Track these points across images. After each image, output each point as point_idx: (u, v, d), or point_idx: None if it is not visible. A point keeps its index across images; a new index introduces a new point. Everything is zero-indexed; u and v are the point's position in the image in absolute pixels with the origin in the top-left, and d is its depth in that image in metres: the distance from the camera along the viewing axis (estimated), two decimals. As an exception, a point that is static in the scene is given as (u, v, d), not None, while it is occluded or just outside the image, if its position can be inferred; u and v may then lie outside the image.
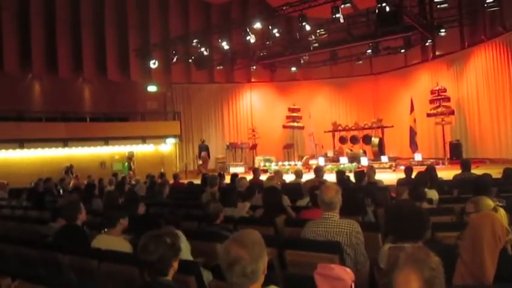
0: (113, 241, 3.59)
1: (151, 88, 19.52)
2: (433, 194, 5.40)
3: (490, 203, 2.89)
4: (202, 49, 15.75)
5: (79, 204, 4.21)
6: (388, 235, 2.91)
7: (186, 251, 3.23)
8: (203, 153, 18.70)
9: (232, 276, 1.80)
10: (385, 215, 2.86)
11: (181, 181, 11.13)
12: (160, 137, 19.15)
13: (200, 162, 18.59)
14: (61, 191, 10.95)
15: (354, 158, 16.39)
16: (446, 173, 9.30)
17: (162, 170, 15.03)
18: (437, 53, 18.11)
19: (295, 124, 20.50)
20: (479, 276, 2.17)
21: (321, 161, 16.37)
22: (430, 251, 1.48)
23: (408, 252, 1.47)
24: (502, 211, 2.64)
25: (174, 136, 19.48)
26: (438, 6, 12.86)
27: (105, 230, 3.72)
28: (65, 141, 16.86)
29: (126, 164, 17.75)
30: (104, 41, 18.11)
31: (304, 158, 17.52)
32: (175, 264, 2.37)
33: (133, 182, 11.17)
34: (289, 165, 17.25)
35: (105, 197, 6.50)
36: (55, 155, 16.89)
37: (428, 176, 5.98)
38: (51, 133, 16.37)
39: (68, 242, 3.84)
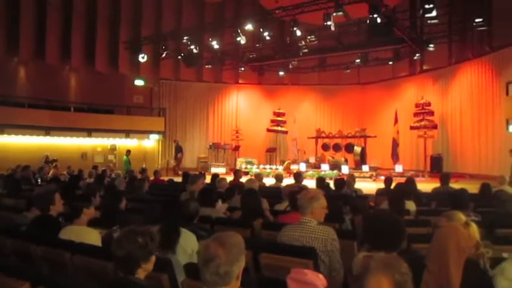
0: (78, 231, 3.56)
1: (139, 82, 19.36)
2: (411, 205, 5.46)
3: (462, 217, 2.94)
4: (193, 46, 15.69)
5: (52, 195, 4.14)
6: (364, 244, 2.94)
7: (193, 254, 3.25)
8: (179, 155, 18.60)
9: (206, 273, 1.82)
10: (364, 224, 2.89)
11: (161, 178, 11.04)
12: (144, 132, 19.01)
13: (175, 163, 18.44)
14: (39, 180, 10.75)
15: (335, 166, 16.50)
16: (426, 185, 9.42)
17: (144, 166, 14.89)
18: (424, 67, 18.41)
19: (279, 128, 20.57)
20: (445, 285, 2.22)
21: (303, 167, 16.43)
22: (400, 258, 1.51)
23: (379, 258, 1.50)
24: (474, 226, 2.69)
25: (158, 132, 19.36)
26: (429, 21, 13.04)
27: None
28: (47, 130, 16.61)
29: (125, 157, 17.45)
30: (94, 31, 17.90)
31: (286, 163, 17.57)
32: (147, 266, 2.30)
33: (113, 176, 11.03)
34: (271, 168, 17.28)
35: (84, 190, 6.41)
36: (36, 142, 16.61)
37: (408, 188, 6.03)
38: (34, 120, 16.10)
39: (40, 232, 3.77)
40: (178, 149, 18.54)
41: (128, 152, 17.45)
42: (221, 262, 1.80)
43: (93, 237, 3.57)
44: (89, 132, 17.59)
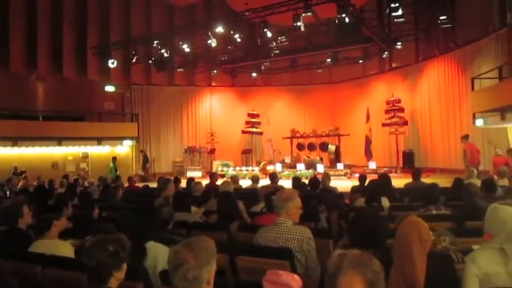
0: (49, 245, 3.46)
1: (109, 88, 19.02)
2: (384, 201, 5.55)
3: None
4: (163, 50, 15.53)
5: (21, 207, 4.01)
6: (339, 241, 2.98)
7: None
8: (147, 165, 18.53)
9: (175, 278, 1.82)
10: (348, 223, 2.93)
11: (136, 184, 10.89)
12: (117, 139, 18.67)
13: (142, 173, 18.22)
14: (8, 192, 10.42)
15: (310, 165, 16.63)
16: (399, 181, 9.59)
17: (118, 173, 14.63)
18: (393, 65, 18.78)
19: (254, 130, 20.60)
20: (411, 279, 2.28)
21: (279, 167, 16.50)
22: (373, 257, 1.53)
23: (351, 256, 1.51)
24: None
25: (131, 138, 19.05)
26: (396, 20, 13.32)
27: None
28: (14, 140, 16.09)
29: (112, 164, 17.15)
30: (60, 37, 17.45)
31: (262, 164, 17.61)
32: (119, 275, 2.25)
33: (86, 184, 10.80)
34: (247, 170, 17.28)
35: (55, 200, 6.25)
36: (3, 153, 16.10)
37: (383, 184, 6.14)
38: (0, 131, 15.55)
39: (9, 246, 3.64)
40: (146, 159, 18.36)
41: (114, 158, 17.27)
42: (189, 267, 1.79)
43: (65, 250, 3.48)
44: (59, 140, 17.13)
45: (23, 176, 14.33)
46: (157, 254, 3.05)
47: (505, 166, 8.91)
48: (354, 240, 2.75)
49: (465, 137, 12.12)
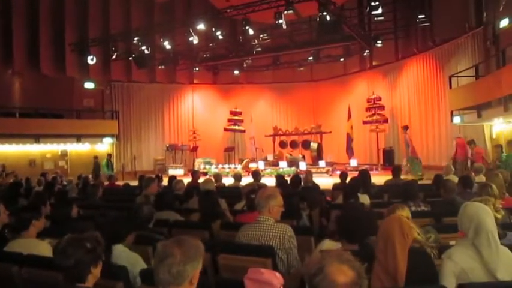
0: (27, 244, 3.38)
1: (89, 85, 18.71)
2: (364, 198, 5.61)
3: (402, 211, 3.13)
4: (144, 47, 15.35)
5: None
6: (329, 236, 3.05)
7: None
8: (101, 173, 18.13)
9: (159, 271, 1.82)
10: (338, 219, 2.99)
11: (117, 183, 10.76)
12: (97, 136, 18.38)
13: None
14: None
15: (293, 163, 16.69)
16: (379, 178, 9.71)
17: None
18: (374, 63, 18.98)
19: (237, 127, 20.57)
20: (393, 273, 2.33)
21: (261, 165, 16.52)
22: (350, 254, 1.57)
23: (335, 252, 1.54)
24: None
25: (112, 135, 18.79)
26: (375, 18, 13.46)
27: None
28: (-11, 138, 15.74)
29: (106, 161, 16.81)
30: (37, 32, 17.03)
31: (244, 162, 17.60)
32: (96, 272, 2.24)
33: (64, 183, 10.62)
34: (230, 168, 17.25)
35: (32, 198, 6.13)
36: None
37: (361, 181, 6.19)
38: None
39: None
40: (97, 167, 16.71)
41: (109, 155, 17.26)
42: (175, 261, 1.80)
43: (43, 249, 3.40)
44: (37, 138, 16.76)
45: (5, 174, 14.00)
46: (120, 255, 3.03)
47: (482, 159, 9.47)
48: (341, 234, 2.82)
49: (405, 128, 14.38)
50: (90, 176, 11.99)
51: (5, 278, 3.21)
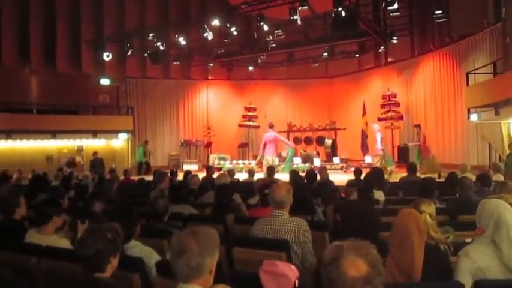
0: (45, 240, 3.40)
1: (104, 81, 18.89)
2: (379, 195, 5.58)
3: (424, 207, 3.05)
4: (159, 44, 15.44)
5: (17, 198, 3.99)
6: (341, 235, 3.02)
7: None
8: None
9: (177, 265, 1.81)
10: (340, 215, 2.97)
11: (132, 177, 10.87)
12: (112, 132, 18.56)
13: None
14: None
15: (307, 159, 16.64)
16: (394, 175, 9.65)
17: (113, 166, 14.59)
18: (389, 60, 18.76)
19: (251, 123, 20.56)
20: (408, 270, 2.30)
21: (275, 161, 16.48)
22: (369, 244, 1.55)
23: (349, 243, 1.52)
24: (427, 216, 2.78)
25: (127, 131, 18.96)
26: (391, 14, 13.31)
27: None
28: (8, 133, 15.99)
29: (142, 148, 17.05)
30: (54, 30, 17.28)
31: (258, 157, 17.59)
32: (114, 262, 2.29)
33: (80, 177, 10.78)
34: (243, 163, 17.27)
35: (50, 192, 6.23)
36: (-3, 146, 16.03)
37: (375, 178, 6.17)
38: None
39: (4, 237, 3.63)
40: (98, 163, 15.73)
41: (146, 142, 17.66)
42: (193, 254, 1.79)
43: (63, 246, 3.45)
44: (54, 134, 17.02)
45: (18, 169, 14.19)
46: (133, 250, 3.06)
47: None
48: (347, 231, 2.78)
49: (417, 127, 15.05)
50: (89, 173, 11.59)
51: (23, 269, 3.27)
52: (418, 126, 15.01)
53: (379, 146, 14.94)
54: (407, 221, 2.41)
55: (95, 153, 16.27)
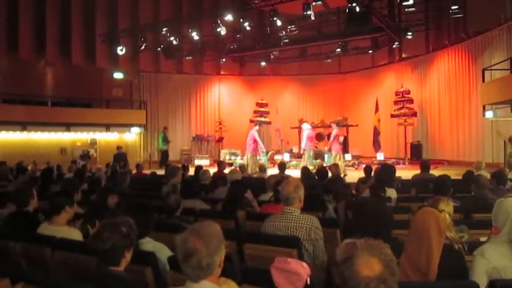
0: (58, 231, 3.42)
1: (118, 75, 19.02)
2: (392, 192, 5.53)
3: (442, 205, 3.00)
4: (172, 38, 15.49)
5: (31, 190, 4.03)
6: (352, 232, 3.00)
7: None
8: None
9: (187, 267, 1.80)
10: (352, 213, 2.94)
11: (144, 171, 10.95)
12: (125, 126, 18.74)
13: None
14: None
15: (318, 155, 16.58)
16: (407, 172, 9.56)
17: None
18: (403, 56, 18.55)
19: (263, 119, 20.53)
20: (425, 269, 2.27)
21: (286, 157, 16.49)
22: (382, 243, 1.53)
23: (362, 242, 1.50)
24: (446, 215, 2.75)
25: (139, 125, 19.11)
26: (406, 9, 13.14)
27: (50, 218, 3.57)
28: (23, 125, 16.24)
29: (162, 135, 17.34)
30: (69, 24, 17.46)
31: (270, 153, 17.58)
32: (128, 256, 2.32)
33: (93, 170, 10.89)
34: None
35: (63, 184, 6.30)
36: (12, 138, 16.24)
37: (386, 174, 6.10)
38: (9, 116, 15.67)
39: (18, 228, 3.68)
40: (122, 156, 15.78)
41: (165, 129, 17.81)
42: (202, 256, 1.77)
43: (74, 236, 3.49)
44: (68, 126, 17.25)
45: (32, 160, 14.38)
46: (146, 245, 3.07)
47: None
48: (359, 229, 2.76)
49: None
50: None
51: (37, 260, 3.32)
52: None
53: (303, 145, 14.51)
54: (428, 220, 2.37)
55: (118, 147, 16.38)
